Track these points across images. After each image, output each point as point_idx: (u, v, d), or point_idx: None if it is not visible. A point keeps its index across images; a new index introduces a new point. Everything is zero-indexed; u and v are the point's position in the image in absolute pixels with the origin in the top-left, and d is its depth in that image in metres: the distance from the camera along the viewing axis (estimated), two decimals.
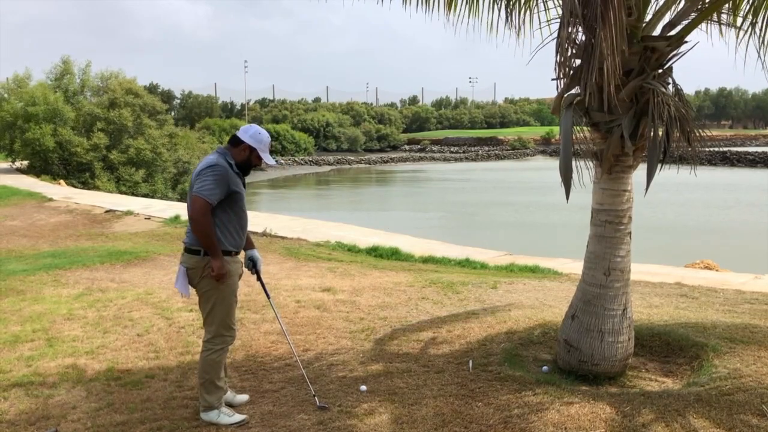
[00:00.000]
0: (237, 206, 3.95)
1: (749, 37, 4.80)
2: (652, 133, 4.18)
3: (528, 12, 4.80)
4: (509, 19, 4.83)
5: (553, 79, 4.19)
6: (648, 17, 4.49)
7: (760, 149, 66.13)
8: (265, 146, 4.02)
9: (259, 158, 4.02)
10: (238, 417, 3.99)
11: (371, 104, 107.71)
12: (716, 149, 62.11)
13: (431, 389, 4.34)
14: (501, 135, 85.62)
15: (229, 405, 4.16)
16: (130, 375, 4.80)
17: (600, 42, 3.68)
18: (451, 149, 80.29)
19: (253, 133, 3.98)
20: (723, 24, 4.86)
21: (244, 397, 4.31)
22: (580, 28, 4.45)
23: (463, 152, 77.21)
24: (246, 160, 4.00)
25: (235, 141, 3.99)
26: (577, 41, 4.45)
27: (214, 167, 3.81)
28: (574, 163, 4.27)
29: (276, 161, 4.17)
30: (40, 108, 27.28)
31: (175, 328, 5.94)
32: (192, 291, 4.05)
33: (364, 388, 4.40)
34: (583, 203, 5.00)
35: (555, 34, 4.18)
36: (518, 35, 4.79)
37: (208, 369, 3.96)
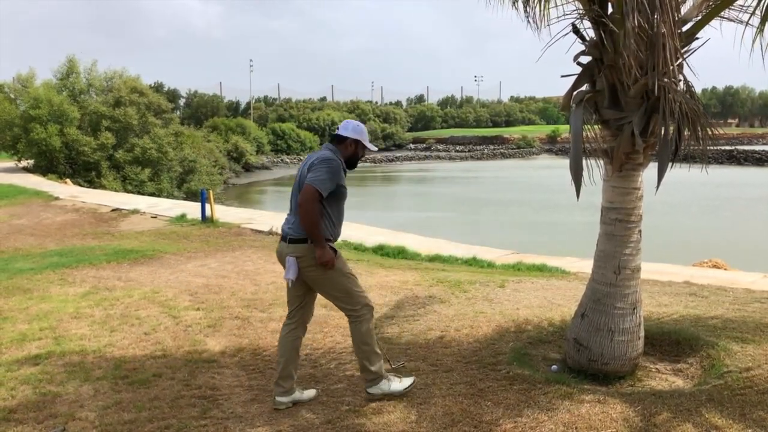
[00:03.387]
0: (341, 201, 4.13)
1: (758, 35, 4.75)
2: (663, 131, 4.15)
3: (540, 7, 4.75)
4: (528, 12, 4.78)
5: (563, 76, 4.16)
6: None
7: (767, 148, 65.82)
8: (366, 136, 4.24)
9: (365, 148, 4.23)
10: (407, 380, 4.18)
11: (376, 103, 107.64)
12: (723, 148, 61.87)
13: (440, 388, 4.31)
14: (506, 134, 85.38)
15: (298, 402, 4.17)
16: (137, 374, 4.79)
17: (660, 28, 3.63)
18: (457, 148, 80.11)
19: (353, 127, 4.19)
20: (733, 21, 4.81)
21: (312, 392, 4.31)
22: (587, 23, 4.44)
23: (469, 151, 77.04)
24: (353, 154, 4.22)
25: (340, 139, 4.16)
26: (586, 38, 4.43)
27: (329, 161, 3.99)
28: (584, 161, 4.24)
29: (377, 148, 4.51)
30: (44, 111, 27.33)
31: (182, 326, 5.93)
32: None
33: None
34: (588, 202, 4.97)
35: (566, 31, 4.16)
36: (539, 28, 4.74)
37: (367, 339, 4.07)
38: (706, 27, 4.43)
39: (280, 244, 4.15)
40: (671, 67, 3.76)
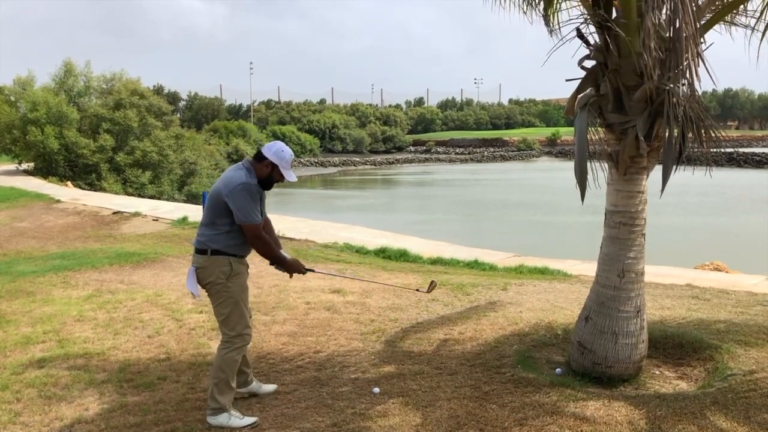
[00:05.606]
0: None
1: (762, 38, 4.76)
2: (667, 134, 4.16)
3: (552, 12, 4.77)
4: (548, 22, 4.80)
5: (567, 80, 4.17)
6: None
7: (767, 150, 65.81)
8: (287, 163, 4.13)
9: (281, 175, 4.15)
10: (249, 419, 3.99)
11: (376, 105, 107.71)
12: (723, 150, 61.60)
13: (445, 391, 4.32)
14: (506, 136, 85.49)
15: (255, 394, 4.30)
16: (142, 376, 4.80)
17: (681, 30, 3.59)
18: (457, 150, 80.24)
19: (275, 151, 4.09)
20: (738, 25, 4.83)
21: (271, 387, 4.37)
22: (592, 28, 4.45)
23: (469, 153, 77.11)
24: (268, 176, 4.12)
25: (259, 157, 4.10)
26: (591, 43, 4.45)
27: (245, 187, 3.95)
28: (588, 164, 4.25)
29: (295, 178, 4.37)
30: (41, 113, 27.34)
31: (186, 329, 5.94)
32: (203, 293, 4.13)
33: (377, 390, 4.38)
34: (590, 204, 4.96)
35: (571, 35, 4.17)
36: (551, 32, 4.74)
37: (225, 368, 3.98)
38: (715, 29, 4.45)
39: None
40: (695, 70, 3.73)
